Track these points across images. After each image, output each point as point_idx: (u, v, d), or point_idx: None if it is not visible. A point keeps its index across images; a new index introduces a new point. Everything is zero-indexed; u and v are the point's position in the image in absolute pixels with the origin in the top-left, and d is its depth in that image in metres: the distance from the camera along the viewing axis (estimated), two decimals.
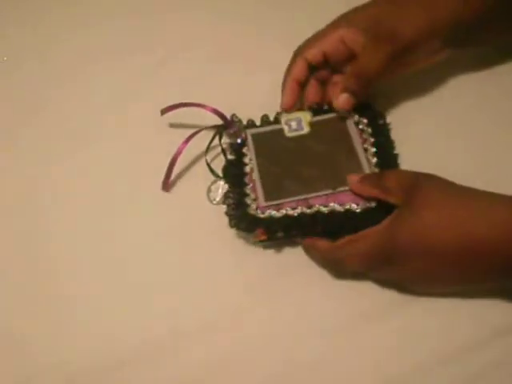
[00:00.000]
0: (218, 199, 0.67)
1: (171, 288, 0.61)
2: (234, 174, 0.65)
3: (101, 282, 0.62)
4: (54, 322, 0.60)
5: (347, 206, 0.60)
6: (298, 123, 0.67)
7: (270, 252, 0.63)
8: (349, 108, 0.64)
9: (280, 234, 0.61)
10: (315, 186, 0.62)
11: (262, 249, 0.63)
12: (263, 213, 0.61)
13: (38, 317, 0.61)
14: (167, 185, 0.65)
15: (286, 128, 0.67)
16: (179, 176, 0.67)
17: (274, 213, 0.61)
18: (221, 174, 0.66)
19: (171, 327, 0.59)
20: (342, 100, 0.63)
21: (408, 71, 0.65)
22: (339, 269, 0.60)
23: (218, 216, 0.62)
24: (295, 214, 0.61)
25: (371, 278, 0.59)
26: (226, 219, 0.61)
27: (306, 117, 0.67)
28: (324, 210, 0.61)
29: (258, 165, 0.64)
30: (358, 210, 0.60)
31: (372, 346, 0.57)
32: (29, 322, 0.61)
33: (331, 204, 0.61)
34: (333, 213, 0.60)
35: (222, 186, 0.67)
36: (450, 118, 0.68)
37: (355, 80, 0.63)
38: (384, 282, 0.59)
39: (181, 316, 0.60)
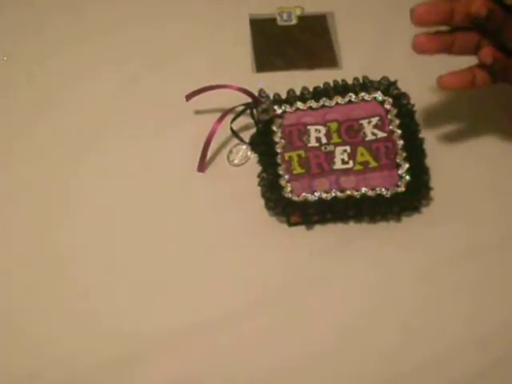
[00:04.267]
0: (236, 161, 0.69)
1: (206, 272, 0.63)
2: (265, 153, 0.67)
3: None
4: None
5: (378, 191, 0.64)
6: None
7: (307, 233, 0.66)
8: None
9: (314, 218, 0.65)
10: None
11: (295, 230, 0.66)
12: (298, 196, 0.65)
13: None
14: (203, 166, 0.67)
15: None
16: (212, 158, 0.69)
17: (308, 196, 0.65)
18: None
19: (200, 313, 0.62)
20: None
21: None
22: None
23: (254, 196, 0.65)
24: (328, 198, 0.64)
25: None
26: (262, 200, 0.65)
27: None
28: (356, 194, 0.65)
29: None
30: (388, 195, 0.64)
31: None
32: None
33: (363, 189, 0.65)
34: (364, 197, 0.64)
35: (242, 150, 0.70)
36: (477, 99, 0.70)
37: None
38: None
39: (214, 301, 0.62)
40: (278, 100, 0.70)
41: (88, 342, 0.60)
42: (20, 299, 0.62)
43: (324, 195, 0.65)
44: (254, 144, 0.69)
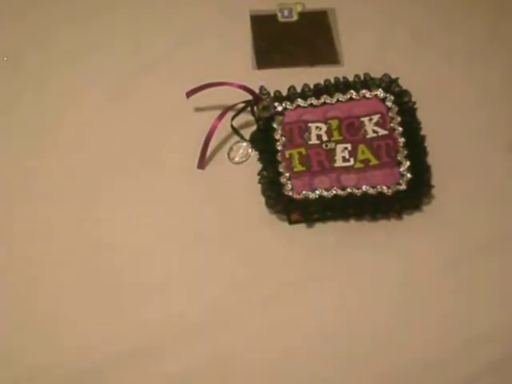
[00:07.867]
0: (237, 159, 0.69)
1: (206, 268, 0.63)
2: (265, 151, 0.67)
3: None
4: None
5: (379, 189, 0.64)
6: None
7: (307, 231, 0.66)
8: None
9: (315, 216, 0.65)
10: None
11: (295, 228, 0.65)
12: (298, 194, 0.64)
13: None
14: (203, 163, 0.67)
15: None
16: (213, 155, 0.69)
17: (309, 194, 0.64)
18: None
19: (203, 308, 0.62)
20: None
21: None
22: None
23: (255, 194, 0.65)
24: (329, 196, 0.64)
25: None
26: (262, 198, 0.65)
27: None
28: (357, 192, 0.64)
29: None
30: (389, 193, 0.64)
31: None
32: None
33: (363, 187, 0.64)
34: (365, 195, 0.64)
35: (243, 147, 0.69)
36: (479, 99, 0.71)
37: None
38: None
39: (211, 298, 0.62)
40: (278, 97, 0.69)
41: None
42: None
43: (325, 193, 0.64)
44: (254, 141, 0.68)
